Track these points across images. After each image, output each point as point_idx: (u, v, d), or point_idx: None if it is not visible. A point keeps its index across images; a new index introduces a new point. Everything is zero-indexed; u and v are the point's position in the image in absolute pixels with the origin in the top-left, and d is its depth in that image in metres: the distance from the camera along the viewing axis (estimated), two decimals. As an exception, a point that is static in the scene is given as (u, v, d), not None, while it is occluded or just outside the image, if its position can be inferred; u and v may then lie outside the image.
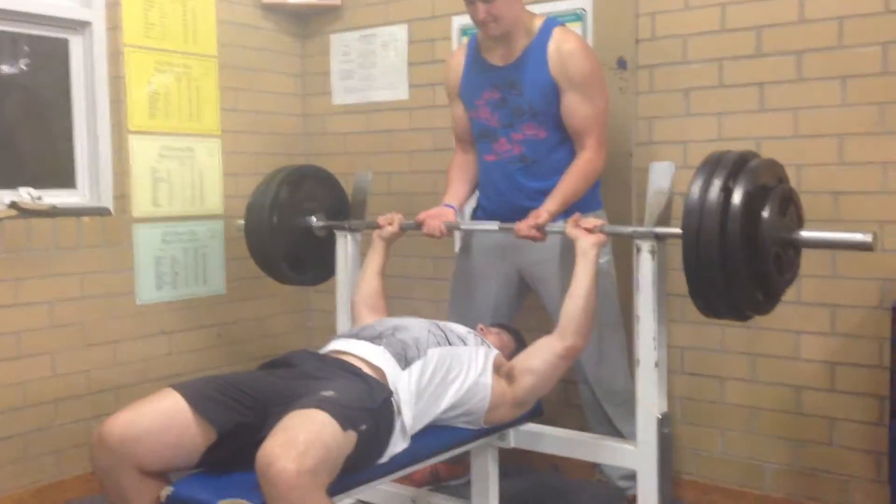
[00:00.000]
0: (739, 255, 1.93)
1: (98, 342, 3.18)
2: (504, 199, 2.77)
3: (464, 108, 2.88)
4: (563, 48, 2.62)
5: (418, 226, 2.77)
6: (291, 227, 3.03)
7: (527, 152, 2.70)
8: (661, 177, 2.36)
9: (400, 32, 3.65)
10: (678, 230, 2.08)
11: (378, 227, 2.81)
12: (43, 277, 3.01)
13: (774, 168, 2.09)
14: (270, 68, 3.85)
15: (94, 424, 1.93)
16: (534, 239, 2.52)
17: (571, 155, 2.67)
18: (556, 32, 2.65)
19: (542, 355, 2.33)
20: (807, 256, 2.70)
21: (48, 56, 3.22)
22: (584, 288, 2.32)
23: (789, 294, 2.73)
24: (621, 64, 3.01)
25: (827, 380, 2.72)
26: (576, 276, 2.35)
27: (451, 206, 2.84)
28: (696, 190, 2.00)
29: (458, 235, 3.18)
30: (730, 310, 2.06)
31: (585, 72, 2.61)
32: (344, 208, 3.15)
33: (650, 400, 2.27)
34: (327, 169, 3.25)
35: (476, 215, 2.95)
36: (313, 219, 3.07)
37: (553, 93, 2.64)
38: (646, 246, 2.29)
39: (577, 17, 3.12)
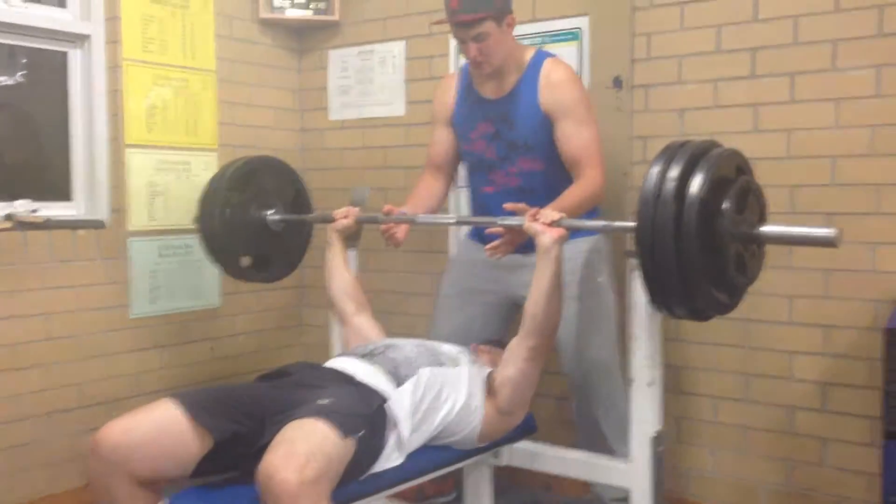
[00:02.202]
0: (695, 247, 1.82)
1: (92, 355, 3.18)
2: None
3: (449, 136, 2.88)
4: (552, 79, 2.63)
5: (376, 222, 2.74)
6: (246, 222, 2.93)
7: (524, 184, 2.71)
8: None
9: (398, 49, 3.67)
10: (632, 224, 1.97)
11: (332, 220, 2.76)
12: (38, 290, 3.01)
13: (736, 159, 1.99)
14: (268, 83, 3.87)
15: (87, 438, 1.92)
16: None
17: (570, 184, 2.64)
18: (546, 65, 2.66)
19: (514, 362, 2.31)
20: (800, 276, 2.73)
21: (46, 69, 3.23)
22: (546, 287, 2.25)
23: (782, 314, 2.77)
24: (617, 83, 3.03)
25: (819, 400, 2.73)
26: (537, 275, 2.27)
27: (402, 211, 2.79)
28: (651, 179, 1.87)
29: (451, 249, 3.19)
30: (685, 305, 1.94)
31: (575, 99, 2.62)
32: (303, 200, 3.09)
33: (644, 418, 2.28)
34: (285, 161, 3.18)
35: (470, 236, 2.95)
36: (270, 213, 2.99)
37: (545, 126, 2.64)
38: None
39: (574, 36, 3.15)
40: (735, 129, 2.83)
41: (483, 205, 2.84)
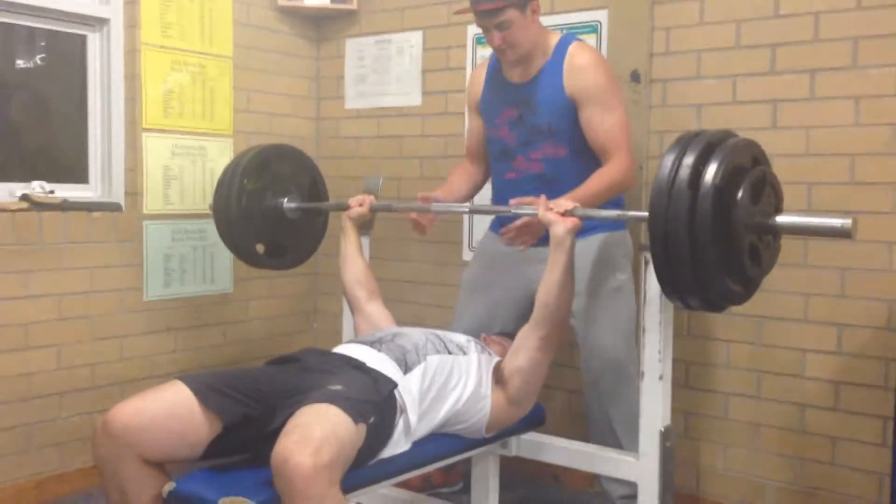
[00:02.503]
0: (709, 237, 1.79)
1: (105, 336, 3.20)
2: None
3: (481, 124, 2.89)
4: (576, 63, 2.61)
5: (390, 210, 2.75)
6: (262, 210, 2.93)
7: (546, 171, 2.68)
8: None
9: (415, 39, 3.66)
10: (645, 214, 1.95)
11: (347, 208, 2.76)
12: (52, 271, 3.03)
13: (752, 149, 1.96)
14: (285, 71, 3.87)
15: (98, 418, 1.93)
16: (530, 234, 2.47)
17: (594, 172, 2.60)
18: (572, 49, 2.64)
19: (524, 351, 2.31)
20: (815, 275, 2.71)
21: (64, 52, 3.25)
22: (559, 276, 2.24)
23: (797, 312, 2.75)
24: (635, 77, 3.02)
25: (831, 399, 2.71)
26: (550, 264, 2.27)
27: (437, 196, 2.80)
28: (665, 168, 1.84)
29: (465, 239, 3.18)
30: (699, 297, 1.92)
31: (600, 84, 2.60)
32: (319, 188, 3.10)
33: (653, 413, 2.27)
34: (304, 152, 3.15)
35: (492, 228, 2.95)
36: (285, 200, 2.98)
37: (569, 111, 2.62)
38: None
39: (593, 29, 3.13)
40: (753, 125, 2.81)
41: (504, 192, 2.80)
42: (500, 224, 2.85)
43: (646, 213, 1.95)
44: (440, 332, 2.41)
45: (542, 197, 2.32)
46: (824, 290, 2.71)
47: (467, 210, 2.59)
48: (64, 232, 3.05)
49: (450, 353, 2.30)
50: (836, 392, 2.71)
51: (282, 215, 2.98)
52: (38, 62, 3.22)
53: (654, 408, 2.26)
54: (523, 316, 2.82)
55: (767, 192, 1.93)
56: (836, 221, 1.86)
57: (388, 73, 3.76)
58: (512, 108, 2.73)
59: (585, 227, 2.58)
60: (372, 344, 2.26)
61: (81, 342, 3.13)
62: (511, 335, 2.71)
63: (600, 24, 3.12)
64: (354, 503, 2.63)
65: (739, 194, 1.84)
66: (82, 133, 3.28)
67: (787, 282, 2.75)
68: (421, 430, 2.18)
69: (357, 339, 2.34)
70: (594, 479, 3.09)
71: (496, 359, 2.43)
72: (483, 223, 3.20)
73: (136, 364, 3.30)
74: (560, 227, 2.24)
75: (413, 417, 2.13)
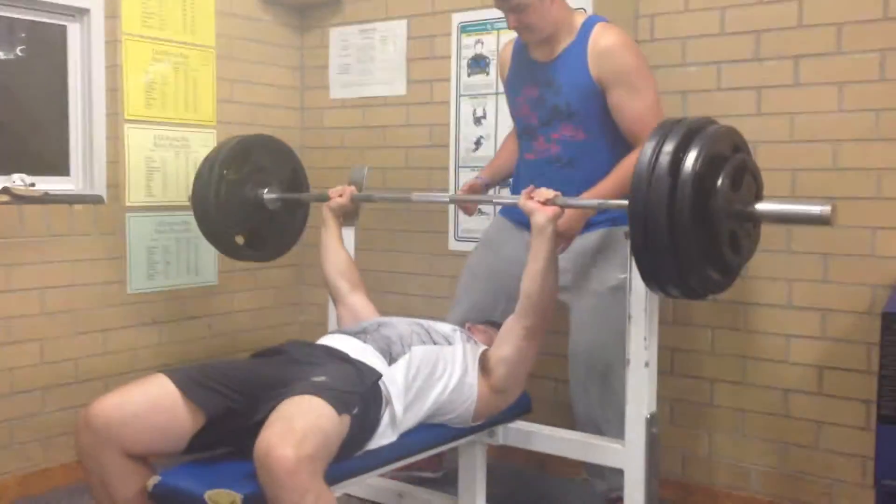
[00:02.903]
0: (689, 224, 1.79)
1: (88, 330, 3.17)
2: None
3: None
4: (600, 45, 2.53)
5: (371, 200, 2.77)
6: (242, 201, 2.90)
7: (562, 153, 2.63)
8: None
9: (399, 28, 3.64)
10: (625, 202, 1.95)
11: (328, 199, 2.75)
12: (34, 264, 3.00)
13: (732, 136, 1.96)
14: (268, 61, 3.84)
15: (80, 413, 1.92)
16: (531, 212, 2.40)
17: (609, 163, 2.55)
18: (597, 29, 2.57)
19: (509, 341, 2.32)
20: (799, 260, 2.73)
21: (45, 42, 3.21)
22: (541, 265, 2.24)
23: (780, 298, 2.76)
24: (619, 64, 3.01)
25: (815, 384, 2.73)
26: (532, 254, 2.26)
27: (481, 179, 2.84)
28: (645, 156, 1.84)
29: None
30: (678, 285, 1.91)
31: (628, 66, 2.52)
32: (299, 178, 3.07)
33: (639, 399, 2.27)
34: (283, 141, 3.14)
35: (502, 213, 2.92)
36: (265, 191, 2.95)
37: (593, 94, 2.56)
38: (640, 246, 2.29)
39: (577, 16, 3.12)
40: (738, 111, 2.81)
41: (523, 173, 2.78)
42: (508, 211, 2.84)
43: (626, 202, 1.94)
44: (425, 323, 2.41)
45: (530, 187, 2.31)
46: (808, 275, 2.72)
47: (447, 200, 2.56)
48: (45, 225, 3.03)
49: (435, 343, 2.29)
50: (819, 377, 2.72)
51: (262, 206, 2.96)
52: (18, 54, 3.19)
53: (640, 395, 2.27)
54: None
55: (747, 179, 1.93)
56: (815, 208, 1.86)
57: (373, 62, 3.74)
58: (533, 87, 2.67)
59: (589, 221, 2.57)
60: (356, 335, 2.25)
61: (65, 336, 3.10)
62: (497, 324, 2.71)
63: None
64: (342, 494, 2.64)
65: (719, 182, 1.83)
66: (63, 125, 3.25)
67: (771, 268, 2.76)
68: (408, 422, 2.18)
69: (342, 330, 2.34)
70: (580, 467, 3.10)
71: (482, 347, 2.43)
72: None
73: (121, 358, 3.28)
74: (541, 216, 2.24)
75: (399, 408, 2.12)
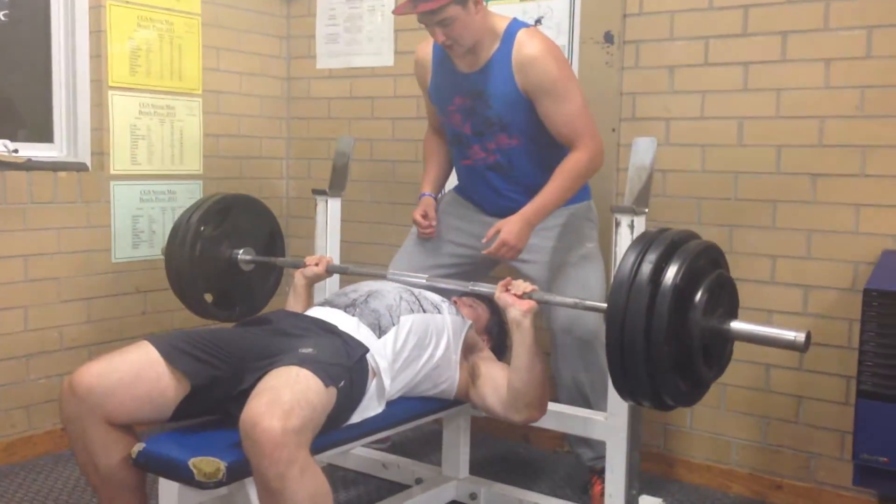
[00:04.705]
0: (665, 337, 1.76)
1: (72, 298, 3.16)
2: (483, 198, 2.77)
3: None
4: (523, 54, 2.51)
5: (346, 273, 2.70)
6: (215, 259, 2.83)
7: (501, 160, 2.65)
8: (643, 153, 2.37)
9: (387, -3, 3.62)
10: (603, 305, 1.93)
11: (303, 266, 2.66)
12: (17, 231, 2.99)
13: (712, 252, 1.95)
14: (255, 29, 3.81)
15: (65, 381, 1.91)
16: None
17: (549, 159, 2.58)
18: (520, 37, 2.53)
19: (500, 407, 2.27)
20: (783, 236, 2.74)
21: (28, 8, 3.17)
22: (525, 360, 2.17)
23: (763, 273, 2.78)
24: (608, 38, 3.00)
25: (796, 359, 2.76)
26: (514, 350, 2.19)
27: (430, 195, 2.79)
28: (626, 265, 1.83)
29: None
30: (650, 395, 1.87)
31: (551, 75, 2.51)
32: (276, 242, 3.00)
33: (622, 373, 2.29)
34: (260, 199, 3.06)
35: (457, 191, 2.91)
36: (241, 252, 2.88)
37: (521, 103, 2.55)
38: (625, 220, 2.31)
39: (566, -11, 3.10)
40: (724, 87, 2.82)
41: (464, 177, 2.82)
42: (463, 191, 2.84)
43: (604, 305, 1.92)
44: (416, 290, 2.41)
45: (507, 279, 2.25)
46: (791, 251, 2.74)
47: (424, 283, 2.50)
48: (29, 192, 3.00)
49: (424, 311, 2.30)
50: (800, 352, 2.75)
51: (235, 266, 2.88)
52: (2, 18, 3.14)
53: (623, 368, 2.28)
54: (465, 275, 2.73)
55: (724, 296, 1.91)
56: (790, 334, 1.83)
57: (360, 31, 3.71)
58: (464, 98, 2.65)
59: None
60: (346, 308, 2.25)
61: (49, 304, 3.09)
62: (482, 298, 2.71)
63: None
64: (326, 464, 2.65)
65: (697, 297, 1.82)
66: (47, 91, 3.21)
67: (755, 244, 2.77)
68: (394, 390, 2.19)
69: (331, 303, 2.33)
70: (563, 439, 3.13)
71: (468, 323, 2.43)
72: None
73: (105, 326, 3.27)
74: (516, 311, 2.16)
75: (387, 380, 2.14)
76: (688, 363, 1.83)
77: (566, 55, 3.10)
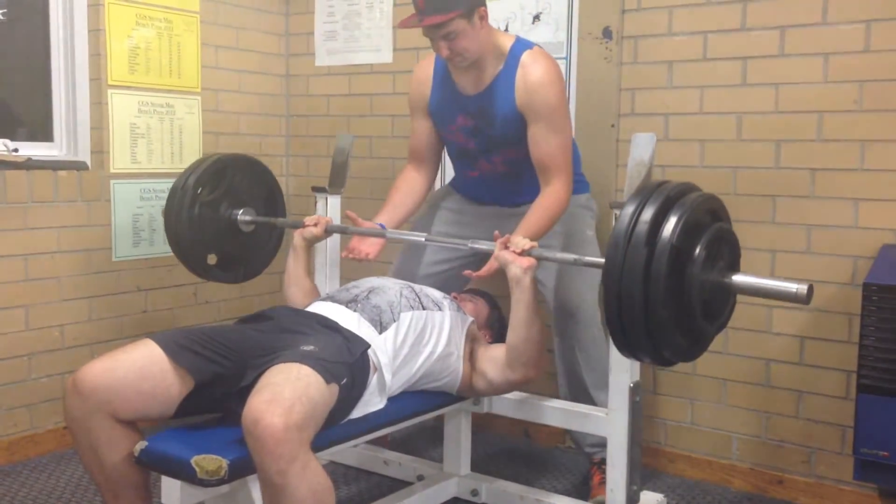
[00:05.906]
0: (664, 291, 1.74)
1: (73, 297, 3.17)
2: (493, 197, 2.79)
3: (429, 126, 2.79)
4: (529, 79, 2.52)
5: (345, 232, 2.71)
6: (215, 221, 2.82)
7: (509, 170, 2.68)
8: (642, 148, 2.36)
9: (385, -6, 3.61)
10: (601, 260, 1.92)
11: (302, 226, 2.68)
12: (18, 230, 2.99)
13: (712, 204, 1.92)
14: (253, 27, 3.81)
15: (68, 379, 1.92)
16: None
17: None
18: (525, 59, 2.54)
19: (499, 372, 2.33)
20: (782, 231, 2.75)
21: (27, 7, 3.17)
22: (523, 316, 2.22)
23: (763, 268, 2.79)
24: (606, 34, 3.00)
25: (796, 354, 2.76)
26: (513, 307, 2.24)
27: (382, 226, 2.71)
28: (623, 221, 1.80)
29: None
30: (649, 351, 1.85)
31: (552, 104, 2.52)
32: (277, 201, 3.00)
33: (622, 368, 2.30)
34: (261, 160, 3.05)
35: (453, 185, 2.92)
36: (240, 213, 2.87)
37: (520, 121, 2.56)
38: (624, 215, 2.31)
39: (564, -15, 3.10)
40: (723, 82, 2.82)
41: (469, 186, 2.83)
42: (457, 186, 2.86)
43: (601, 260, 1.91)
44: (416, 286, 2.41)
45: (506, 237, 2.27)
46: (791, 246, 2.74)
47: (423, 240, 2.51)
48: (29, 191, 3.01)
49: (424, 308, 2.31)
50: (801, 347, 2.76)
51: (235, 227, 2.88)
52: (1, 17, 3.14)
53: (623, 364, 2.29)
54: (470, 265, 2.73)
55: (725, 249, 1.89)
56: (792, 286, 1.81)
57: (359, 29, 3.71)
58: (467, 118, 2.65)
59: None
60: (347, 304, 2.25)
61: (50, 303, 3.10)
62: (481, 293, 2.72)
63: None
64: (328, 461, 2.66)
65: (696, 251, 1.80)
66: (46, 90, 3.21)
67: (755, 238, 2.78)
68: (396, 385, 2.20)
69: (332, 298, 2.33)
70: (564, 435, 3.14)
71: (470, 318, 2.44)
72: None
73: (106, 325, 3.27)
74: (516, 268, 2.20)
75: (388, 375, 2.15)
76: (687, 318, 1.81)
77: (565, 51, 3.11)
